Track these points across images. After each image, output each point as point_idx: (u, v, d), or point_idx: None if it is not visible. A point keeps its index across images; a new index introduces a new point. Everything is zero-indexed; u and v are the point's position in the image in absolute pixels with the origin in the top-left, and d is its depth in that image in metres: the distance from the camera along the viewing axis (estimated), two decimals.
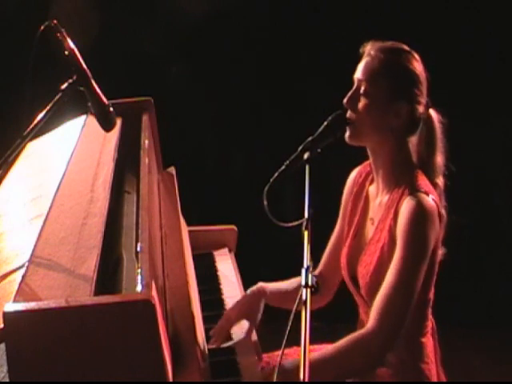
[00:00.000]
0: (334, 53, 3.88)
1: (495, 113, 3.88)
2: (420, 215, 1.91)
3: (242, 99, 4.00)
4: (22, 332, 1.36)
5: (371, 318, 1.91)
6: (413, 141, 2.04)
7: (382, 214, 2.03)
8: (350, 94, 2.02)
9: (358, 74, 2.02)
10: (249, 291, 2.25)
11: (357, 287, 2.11)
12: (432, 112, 2.05)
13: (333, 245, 2.28)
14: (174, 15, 3.90)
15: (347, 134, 2.03)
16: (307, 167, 1.98)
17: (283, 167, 2.05)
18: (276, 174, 2.06)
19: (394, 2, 3.83)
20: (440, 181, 2.05)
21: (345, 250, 2.15)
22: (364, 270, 2.04)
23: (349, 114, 2.03)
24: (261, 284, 2.25)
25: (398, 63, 2.00)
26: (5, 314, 1.35)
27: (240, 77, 3.99)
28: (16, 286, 1.48)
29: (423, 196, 1.93)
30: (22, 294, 1.45)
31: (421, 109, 2.01)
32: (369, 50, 2.02)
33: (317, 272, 2.27)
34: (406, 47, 2.05)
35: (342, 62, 3.81)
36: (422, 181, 1.99)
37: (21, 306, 1.37)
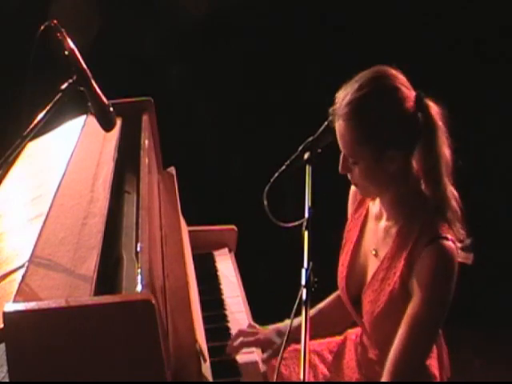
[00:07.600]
0: (334, 53, 3.88)
1: (494, 111, 3.87)
2: (444, 268, 1.82)
3: (242, 99, 4.00)
4: (22, 332, 1.36)
5: (388, 372, 1.81)
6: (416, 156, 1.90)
7: (388, 251, 1.92)
8: (340, 164, 1.91)
9: (340, 144, 1.89)
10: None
11: (357, 309, 2.04)
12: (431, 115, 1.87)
13: None
14: (174, 15, 3.90)
15: (359, 191, 2.01)
16: (307, 167, 1.98)
17: (283, 167, 2.06)
18: (276, 174, 2.06)
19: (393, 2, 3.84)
20: (451, 193, 1.89)
21: (342, 270, 2.06)
22: (368, 306, 1.96)
23: (350, 177, 1.94)
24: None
25: (370, 120, 1.82)
26: (5, 314, 1.35)
27: (240, 77, 3.98)
28: (16, 286, 1.48)
29: (444, 242, 1.81)
30: (21, 293, 1.46)
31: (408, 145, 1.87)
32: (338, 110, 1.86)
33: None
34: (375, 80, 1.85)
35: (342, 61, 3.84)
36: (438, 221, 1.85)
37: (21, 306, 1.37)
